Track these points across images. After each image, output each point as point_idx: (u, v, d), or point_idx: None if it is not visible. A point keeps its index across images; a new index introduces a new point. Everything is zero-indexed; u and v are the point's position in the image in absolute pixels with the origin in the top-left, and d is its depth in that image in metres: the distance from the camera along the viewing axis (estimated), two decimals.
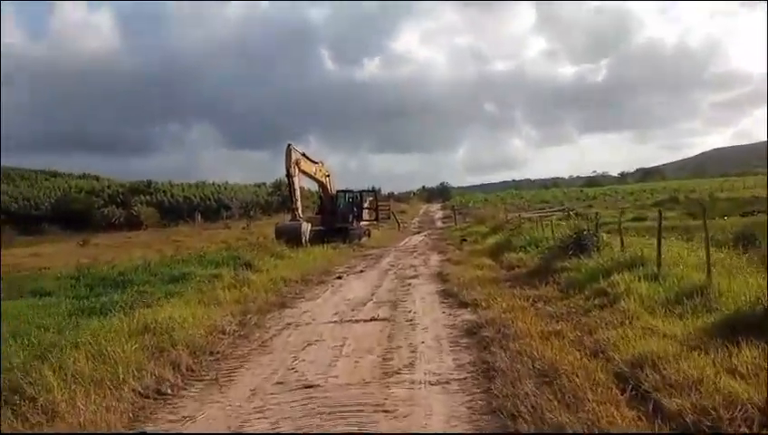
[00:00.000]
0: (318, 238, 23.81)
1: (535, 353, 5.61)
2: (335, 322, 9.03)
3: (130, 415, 5.16)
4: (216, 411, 5.21)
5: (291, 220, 23.20)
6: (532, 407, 4.41)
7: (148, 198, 59.88)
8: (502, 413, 4.56)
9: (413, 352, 6.82)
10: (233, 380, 6.25)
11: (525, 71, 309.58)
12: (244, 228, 34.49)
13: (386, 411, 4.84)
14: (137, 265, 16.15)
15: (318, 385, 5.71)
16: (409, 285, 12.93)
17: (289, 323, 9.15)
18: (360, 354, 6.84)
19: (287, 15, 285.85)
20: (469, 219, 35.09)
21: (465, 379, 5.66)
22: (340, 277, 15.10)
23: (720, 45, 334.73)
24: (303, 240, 21.85)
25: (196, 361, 6.82)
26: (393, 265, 17.42)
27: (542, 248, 14.35)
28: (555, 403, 4.40)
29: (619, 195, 54.24)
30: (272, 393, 5.60)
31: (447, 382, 5.57)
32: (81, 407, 4.98)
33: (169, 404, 5.54)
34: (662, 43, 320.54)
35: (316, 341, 7.76)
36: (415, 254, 21.13)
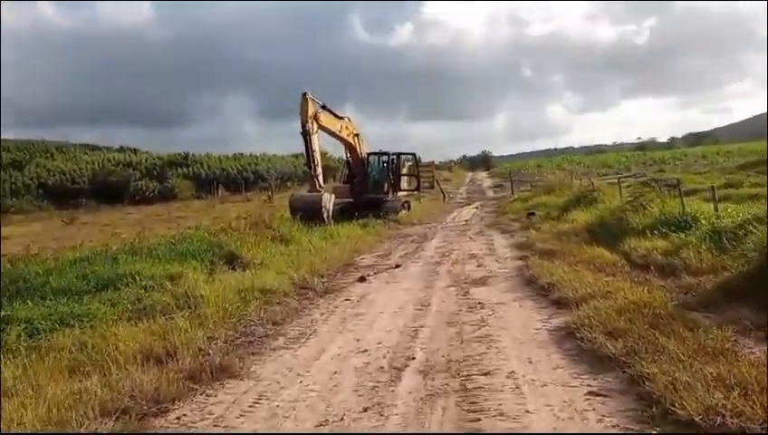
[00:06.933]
0: (345, 213, 17.59)
1: None
2: None
3: None
4: None
5: (309, 191, 16.92)
6: None
7: (185, 170, 54.99)
8: None
9: None
10: None
11: (564, 34, 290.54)
12: (265, 201, 28.45)
13: None
14: (81, 255, 10.43)
15: None
16: (480, 306, 6.62)
17: None
18: None
19: None
20: (525, 188, 28.20)
21: None
22: (363, 279, 8.99)
23: None
24: (326, 216, 15.57)
25: None
26: (444, 255, 11.12)
27: (705, 232, 7.76)
28: None
29: (690, 158, 45.79)
30: None
31: None
32: None
33: None
34: (707, 3, 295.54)
35: None
36: (470, 234, 14.67)
